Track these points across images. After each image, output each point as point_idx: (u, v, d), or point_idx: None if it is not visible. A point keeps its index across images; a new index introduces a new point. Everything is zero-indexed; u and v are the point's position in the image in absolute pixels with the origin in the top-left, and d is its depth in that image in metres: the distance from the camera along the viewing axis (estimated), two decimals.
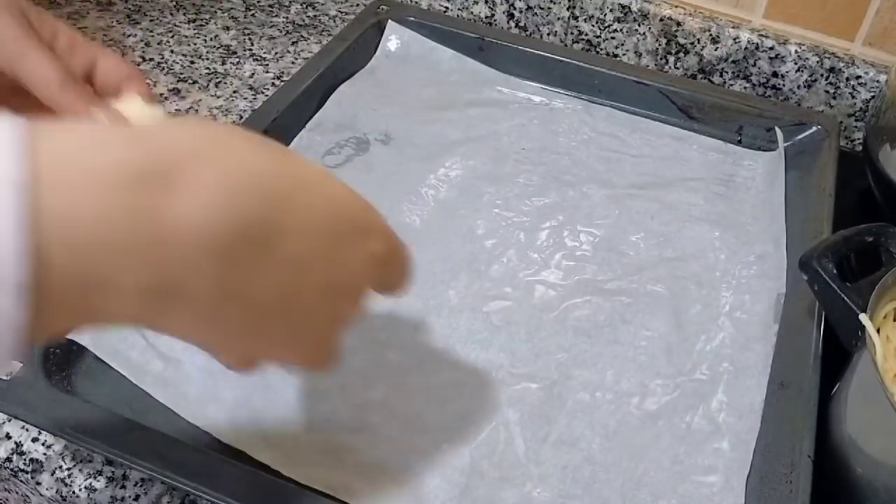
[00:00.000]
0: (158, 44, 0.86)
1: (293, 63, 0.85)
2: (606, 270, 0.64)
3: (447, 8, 0.93)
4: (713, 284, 0.64)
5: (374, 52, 0.83)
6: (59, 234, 0.28)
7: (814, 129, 0.75)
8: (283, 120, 0.71)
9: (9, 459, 0.51)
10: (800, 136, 0.75)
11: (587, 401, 0.55)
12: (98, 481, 0.51)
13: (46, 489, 0.51)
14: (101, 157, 0.30)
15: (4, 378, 0.50)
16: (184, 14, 0.91)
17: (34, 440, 0.52)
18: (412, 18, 0.84)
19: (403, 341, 0.58)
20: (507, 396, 0.55)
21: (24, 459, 0.51)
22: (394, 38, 0.84)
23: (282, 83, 0.82)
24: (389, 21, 0.83)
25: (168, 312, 0.33)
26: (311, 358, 0.41)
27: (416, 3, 0.93)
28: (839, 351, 0.53)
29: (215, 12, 0.91)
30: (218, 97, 0.80)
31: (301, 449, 0.50)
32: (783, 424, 0.52)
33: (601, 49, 0.88)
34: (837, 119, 0.77)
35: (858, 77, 0.79)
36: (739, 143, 0.77)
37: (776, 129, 0.76)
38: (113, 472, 0.51)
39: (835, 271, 0.53)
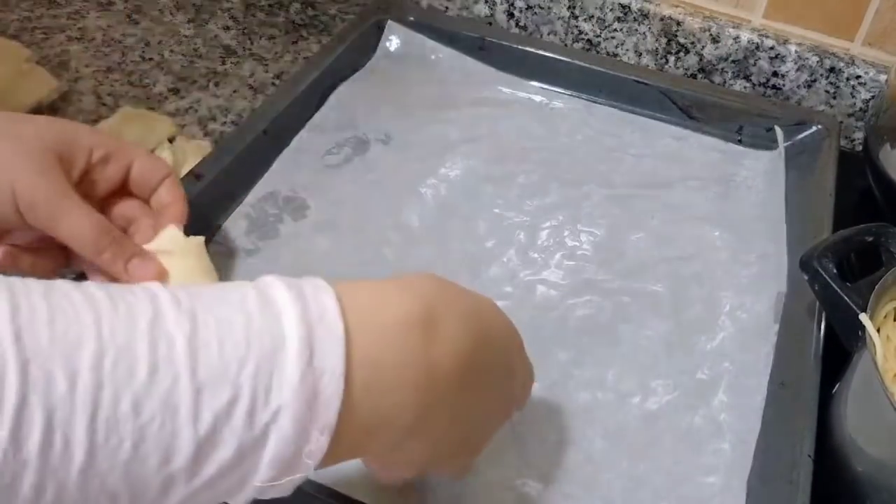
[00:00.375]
0: (158, 44, 0.86)
1: (293, 63, 0.85)
2: (607, 270, 0.64)
3: (447, 8, 0.93)
4: (714, 284, 0.64)
5: (374, 52, 0.83)
6: (361, 378, 0.33)
7: (814, 128, 0.75)
8: (283, 120, 0.71)
9: None
10: (800, 136, 0.75)
11: (588, 400, 0.55)
12: None
13: None
14: (389, 309, 0.36)
15: None
16: (184, 14, 0.91)
17: None
18: (412, 18, 0.84)
19: None
20: None
21: None
22: (394, 38, 0.83)
23: (282, 83, 0.82)
24: (389, 21, 0.83)
25: (412, 443, 0.37)
26: (474, 459, 0.46)
27: (416, 2, 0.93)
28: (839, 351, 0.53)
29: (215, 12, 0.91)
30: (218, 97, 0.79)
31: None
32: (783, 424, 0.52)
33: (601, 49, 0.88)
34: (837, 119, 0.77)
35: (858, 77, 0.79)
36: (740, 142, 0.77)
37: (776, 128, 0.76)
38: None
39: (835, 271, 0.53)
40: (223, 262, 0.61)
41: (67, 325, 0.28)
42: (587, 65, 0.80)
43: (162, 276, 0.52)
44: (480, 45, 0.82)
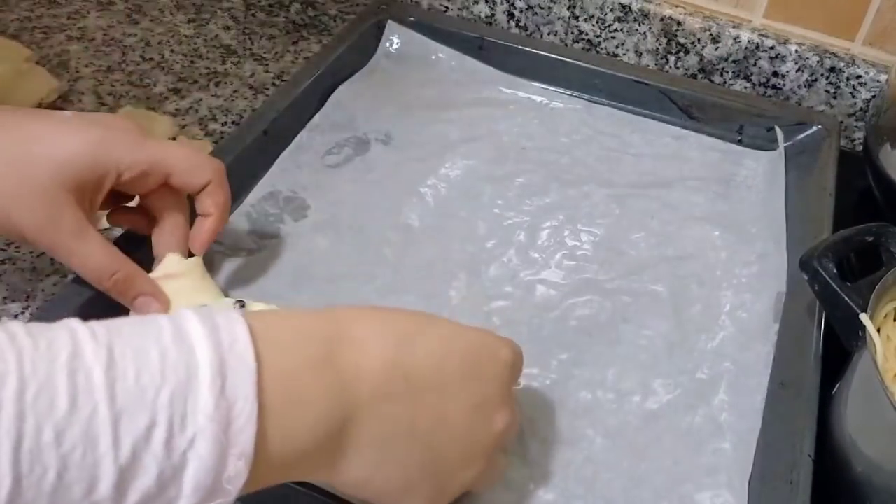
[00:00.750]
0: (158, 43, 0.86)
1: (293, 63, 0.85)
2: (607, 270, 0.64)
3: (447, 8, 0.93)
4: (714, 283, 0.64)
5: (374, 52, 0.83)
6: (275, 402, 0.34)
7: (814, 128, 0.75)
8: (283, 120, 0.71)
9: None
10: (800, 136, 0.75)
11: (588, 400, 0.55)
12: None
13: None
14: (302, 332, 0.38)
15: None
16: (184, 14, 0.91)
17: None
18: (412, 18, 0.84)
19: None
20: None
21: None
22: (394, 38, 0.84)
23: (282, 83, 0.82)
24: (389, 21, 0.83)
25: (347, 456, 0.38)
26: (486, 476, 0.45)
27: (416, 2, 0.93)
28: (839, 351, 0.53)
29: (215, 12, 0.91)
30: (218, 97, 0.80)
31: None
32: (783, 424, 0.52)
33: (601, 49, 0.88)
34: (838, 119, 0.77)
35: (859, 77, 0.79)
36: (740, 142, 0.77)
37: (776, 128, 0.76)
38: None
39: (835, 271, 0.53)
40: (223, 262, 0.62)
41: (3, 355, 0.30)
42: (587, 65, 0.80)
43: (166, 310, 0.53)
44: (480, 45, 0.82)
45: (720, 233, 0.68)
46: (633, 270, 0.64)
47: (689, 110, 0.79)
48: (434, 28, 0.83)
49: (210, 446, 0.32)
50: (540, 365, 0.57)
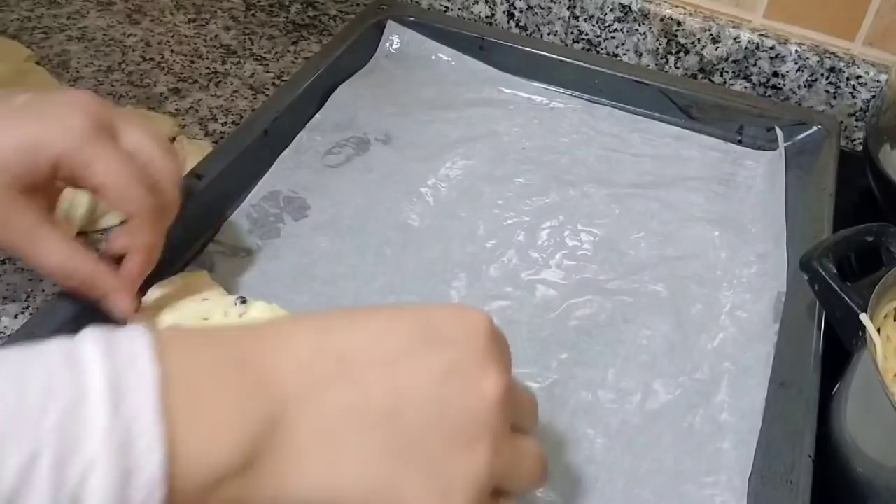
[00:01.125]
0: (158, 44, 0.86)
1: (293, 63, 0.85)
2: (607, 270, 0.64)
3: (447, 8, 0.93)
4: (714, 283, 0.64)
5: (374, 52, 0.83)
6: (186, 418, 0.31)
7: (814, 128, 0.75)
8: (283, 120, 0.71)
9: None
10: (800, 136, 0.75)
11: (589, 400, 0.55)
12: None
13: None
14: (210, 345, 0.35)
15: None
16: (184, 14, 0.91)
17: None
18: (412, 18, 0.84)
19: None
20: None
21: None
22: (394, 38, 0.84)
23: (282, 83, 0.82)
24: (389, 21, 0.83)
25: (292, 461, 0.33)
26: (512, 464, 0.38)
27: (416, 2, 0.93)
28: (839, 351, 0.53)
29: (215, 12, 0.91)
30: (218, 97, 0.80)
31: None
32: (783, 424, 0.52)
33: (601, 49, 0.88)
34: (838, 119, 0.77)
35: (859, 77, 0.79)
36: (740, 142, 0.77)
37: (776, 128, 0.76)
38: None
39: (835, 271, 0.53)
40: (224, 262, 0.62)
41: None
42: (587, 65, 0.80)
43: (137, 310, 0.52)
44: (480, 45, 0.82)
45: (720, 233, 0.68)
46: (633, 270, 0.64)
47: (689, 110, 0.79)
48: (434, 28, 0.83)
49: (108, 474, 0.29)
50: (540, 365, 0.57)
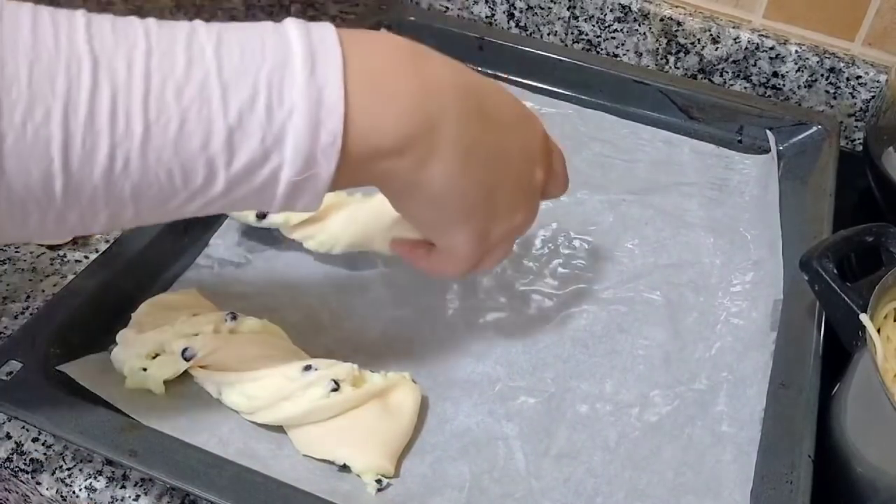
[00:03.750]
0: None
1: None
2: (602, 279, 0.64)
3: (447, 8, 0.93)
4: (710, 291, 0.63)
5: None
6: (359, 92, 0.39)
7: (814, 129, 0.75)
8: None
9: (9, 459, 0.51)
10: (800, 136, 0.75)
11: (587, 413, 0.55)
12: (98, 481, 0.51)
13: (46, 489, 0.51)
14: (380, 40, 0.43)
15: (5, 378, 0.50)
16: (184, 14, 0.91)
17: (34, 440, 0.52)
18: (412, 18, 0.84)
19: (398, 357, 0.57)
20: (505, 410, 0.54)
21: (25, 459, 0.51)
22: None
23: None
24: (387, 24, 0.83)
25: (430, 162, 0.42)
26: (525, 220, 0.50)
27: (416, 3, 0.93)
28: (839, 351, 0.53)
29: (215, 12, 0.91)
30: None
31: (299, 469, 0.50)
32: (783, 424, 0.52)
33: (601, 49, 0.88)
34: (838, 119, 0.77)
35: (859, 77, 0.79)
36: (740, 142, 0.77)
37: (768, 132, 0.76)
38: (113, 472, 0.51)
39: (835, 271, 0.53)
40: (213, 275, 0.62)
41: (126, 32, 0.36)
42: (587, 65, 0.80)
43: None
44: (480, 45, 0.82)
45: (714, 239, 0.67)
46: (627, 279, 0.64)
47: (689, 110, 0.79)
48: (434, 28, 0.83)
49: (304, 120, 0.37)
50: (536, 378, 0.56)
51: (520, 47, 0.82)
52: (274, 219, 0.60)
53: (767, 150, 0.76)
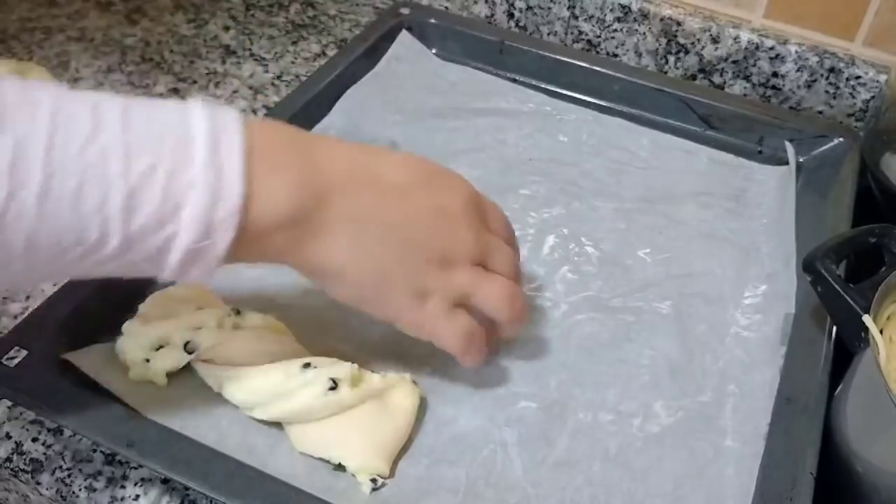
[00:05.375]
0: (158, 44, 0.86)
1: (293, 63, 0.85)
2: (612, 286, 0.63)
3: (447, 8, 0.92)
4: (721, 303, 0.62)
5: (382, 57, 0.81)
6: (256, 171, 0.42)
7: (836, 141, 0.74)
8: (297, 120, 0.70)
9: (9, 459, 0.51)
10: (821, 149, 0.74)
11: (588, 421, 0.54)
12: (98, 481, 0.50)
13: (46, 489, 0.50)
14: (278, 126, 0.46)
15: (9, 364, 0.50)
16: (183, 14, 0.91)
17: (34, 440, 0.52)
18: (433, 21, 0.83)
19: (400, 357, 0.57)
20: (505, 416, 0.54)
21: (24, 459, 0.51)
22: (401, 45, 0.82)
23: (295, 83, 0.82)
24: (403, 31, 0.82)
25: (321, 235, 0.45)
26: (471, 282, 0.50)
27: (428, 5, 0.93)
28: (841, 352, 0.52)
29: (215, 12, 0.91)
30: (218, 97, 0.79)
31: (295, 466, 0.50)
32: (787, 440, 0.51)
33: (601, 49, 0.88)
34: (859, 132, 0.76)
35: (858, 77, 0.79)
36: (760, 153, 0.77)
37: (787, 144, 0.75)
38: (113, 472, 0.51)
39: (838, 272, 0.53)
40: (218, 272, 0.61)
41: (33, 94, 0.37)
42: (608, 71, 0.80)
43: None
44: (500, 48, 0.82)
45: (729, 250, 0.66)
46: (637, 287, 0.63)
47: (709, 120, 0.78)
48: (455, 31, 0.83)
49: (203, 193, 0.39)
50: (539, 384, 0.56)
51: (540, 52, 0.81)
52: None
53: (787, 162, 0.74)
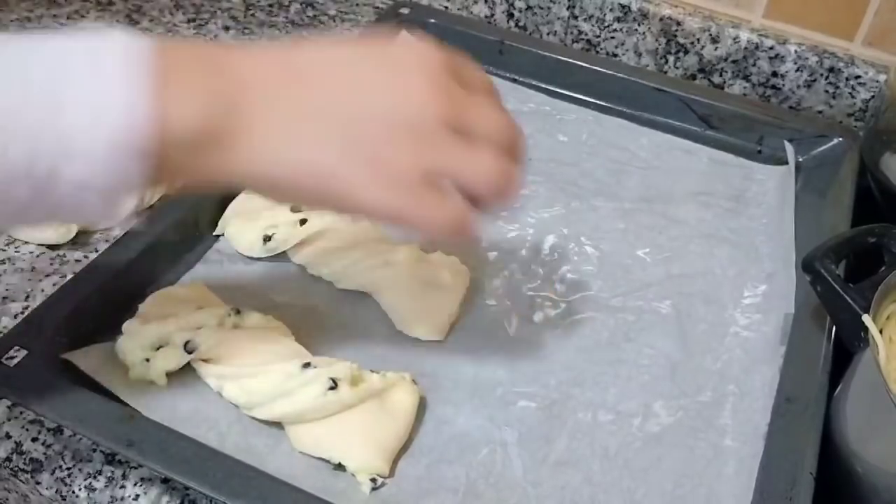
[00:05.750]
0: None
1: None
2: (611, 286, 0.63)
3: (447, 7, 0.92)
4: (720, 303, 0.62)
5: None
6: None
7: (835, 141, 0.74)
8: None
9: (8, 459, 0.51)
10: (821, 149, 0.74)
11: (588, 421, 0.54)
12: (98, 481, 0.50)
13: (46, 489, 0.50)
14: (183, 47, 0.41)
15: (9, 364, 0.50)
16: (183, 14, 0.91)
17: (34, 440, 0.52)
18: (433, 21, 0.83)
19: (401, 357, 0.57)
20: (505, 415, 0.54)
21: (24, 459, 0.51)
22: None
23: None
24: (403, 31, 0.82)
25: (248, 137, 0.39)
26: (461, 163, 0.43)
27: (428, 4, 0.93)
28: (843, 355, 0.52)
29: (215, 12, 0.91)
30: None
31: (295, 466, 0.50)
32: (787, 440, 0.51)
33: (601, 49, 0.88)
34: (859, 132, 0.76)
35: (858, 77, 0.79)
36: (760, 153, 0.76)
37: (786, 143, 0.75)
38: (113, 472, 0.51)
39: (838, 272, 0.53)
40: (218, 273, 0.61)
41: None
42: (609, 71, 0.80)
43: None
44: (500, 49, 0.82)
45: (728, 250, 0.66)
46: (637, 287, 0.63)
47: (709, 119, 0.78)
48: (455, 31, 0.82)
49: (108, 122, 0.36)
50: (539, 384, 0.56)
51: (539, 52, 0.81)
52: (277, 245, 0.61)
53: (787, 162, 0.74)
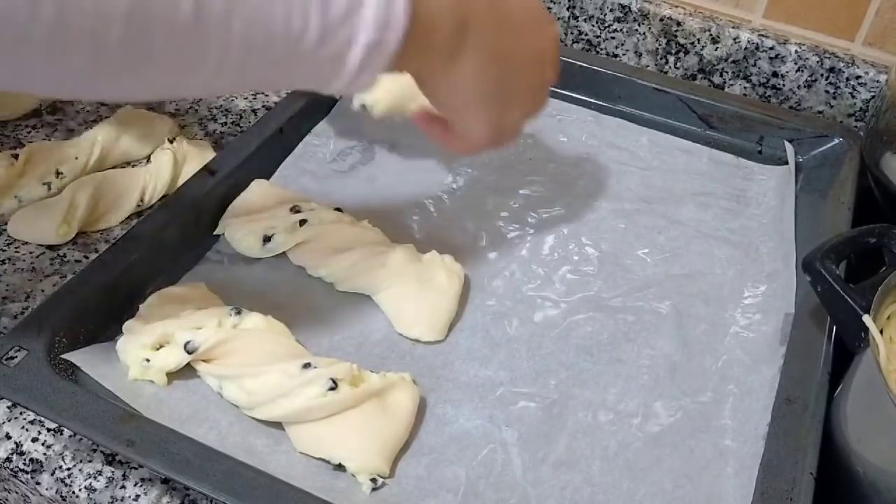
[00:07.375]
0: None
1: None
2: (611, 286, 0.63)
3: None
4: (720, 303, 0.62)
5: None
6: None
7: (836, 141, 0.74)
8: (290, 125, 0.71)
9: (9, 459, 0.51)
10: (821, 149, 0.74)
11: (588, 421, 0.54)
12: (98, 481, 0.50)
13: (46, 489, 0.50)
14: None
15: (9, 364, 0.50)
16: None
17: (34, 440, 0.52)
18: None
19: (401, 357, 0.57)
20: (505, 415, 0.54)
21: (24, 459, 0.51)
22: None
23: None
24: None
25: (459, 55, 0.47)
26: (533, 111, 0.56)
27: None
28: (846, 357, 0.52)
29: None
30: (217, 97, 0.79)
31: (295, 466, 0.50)
32: (787, 440, 0.51)
33: (601, 49, 0.88)
34: (859, 132, 0.76)
35: (858, 77, 0.79)
36: (760, 153, 0.77)
37: (786, 143, 0.75)
38: (113, 472, 0.51)
39: (838, 272, 0.53)
40: (224, 270, 0.62)
41: None
42: (608, 71, 0.80)
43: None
44: None
45: (729, 250, 0.66)
46: (637, 287, 0.63)
47: (709, 120, 0.78)
48: None
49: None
50: (539, 384, 0.56)
51: None
52: None
53: (787, 162, 0.74)
